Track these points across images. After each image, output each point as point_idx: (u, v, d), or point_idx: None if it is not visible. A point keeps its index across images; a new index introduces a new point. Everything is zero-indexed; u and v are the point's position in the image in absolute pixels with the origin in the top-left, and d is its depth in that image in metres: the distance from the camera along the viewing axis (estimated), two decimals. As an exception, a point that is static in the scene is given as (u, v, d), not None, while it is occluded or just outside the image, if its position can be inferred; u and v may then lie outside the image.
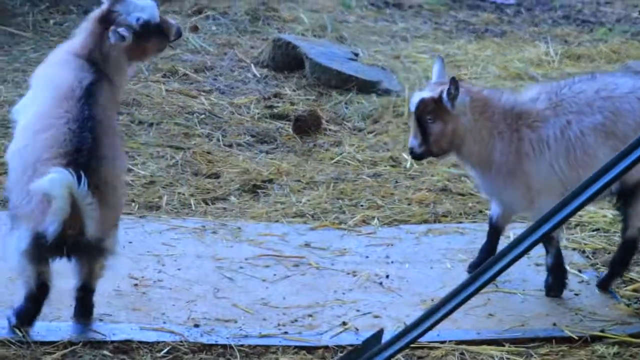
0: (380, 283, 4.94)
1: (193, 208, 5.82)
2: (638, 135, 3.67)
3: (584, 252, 5.35)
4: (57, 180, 3.87)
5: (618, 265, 4.86)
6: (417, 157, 4.91)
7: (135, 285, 4.79)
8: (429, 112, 4.72)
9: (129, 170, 6.31)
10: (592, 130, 4.63)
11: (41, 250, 4.07)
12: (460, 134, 4.72)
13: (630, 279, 5.01)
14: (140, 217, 5.63)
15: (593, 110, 4.64)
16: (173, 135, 6.96)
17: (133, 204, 5.82)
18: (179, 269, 5.01)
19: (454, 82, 4.67)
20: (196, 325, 4.44)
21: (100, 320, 4.42)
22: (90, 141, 4.10)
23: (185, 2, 10.71)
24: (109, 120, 4.29)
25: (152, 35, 4.43)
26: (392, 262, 5.20)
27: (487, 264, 3.75)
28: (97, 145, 4.11)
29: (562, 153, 4.65)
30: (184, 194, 5.95)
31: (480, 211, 5.88)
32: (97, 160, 4.09)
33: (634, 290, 4.87)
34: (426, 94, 4.76)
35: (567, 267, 4.90)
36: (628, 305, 4.68)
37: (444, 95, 4.66)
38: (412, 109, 4.78)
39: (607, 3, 12.65)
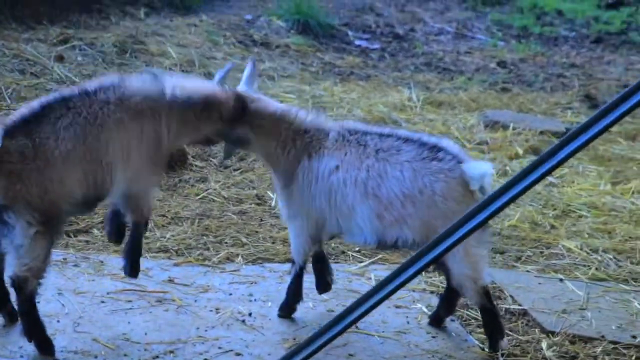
0: (243, 321, 4.96)
1: (55, 240, 5.72)
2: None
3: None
4: None
5: (492, 329, 4.81)
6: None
7: (-7, 318, 4.69)
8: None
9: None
10: (352, 184, 4.74)
11: None
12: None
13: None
14: (0, 248, 5.51)
15: (361, 166, 4.73)
16: (35, 165, 6.83)
17: None
18: (38, 302, 4.90)
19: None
20: (55, 360, 4.38)
21: (-45, 353, 4.32)
22: None
23: (51, 30, 10.56)
24: None
25: None
26: (255, 300, 5.23)
27: (351, 306, 3.83)
28: None
29: (325, 192, 4.80)
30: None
31: (343, 252, 5.98)
32: None
33: (488, 334, 5.01)
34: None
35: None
36: (482, 349, 4.82)
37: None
38: None
39: (467, 53, 13.08)
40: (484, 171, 4.59)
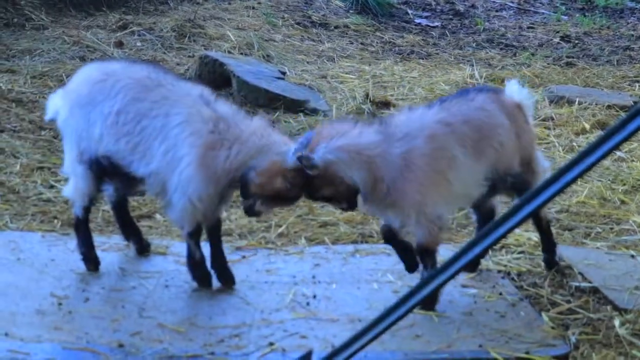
0: (308, 303, 4.91)
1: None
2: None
3: (509, 274, 5.39)
4: None
5: None
6: None
7: (59, 304, 4.69)
8: None
9: (51, 187, 6.21)
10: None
11: None
12: None
13: (555, 302, 5.05)
14: (64, 234, 5.53)
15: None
16: (98, 151, 6.83)
17: (56, 221, 5.72)
18: (103, 288, 4.92)
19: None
20: (120, 345, 4.36)
21: (22, 339, 4.32)
22: None
23: (110, 17, 10.61)
24: None
25: None
26: (319, 282, 5.18)
27: (416, 286, 3.76)
28: None
29: None
30: (108, 212, 5.85)
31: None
32: None
33: (559, 313, 4.91)
34: None
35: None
36: (553, 328, 4.71)
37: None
38: None
39: (529, 28, 12.86)
40: None
